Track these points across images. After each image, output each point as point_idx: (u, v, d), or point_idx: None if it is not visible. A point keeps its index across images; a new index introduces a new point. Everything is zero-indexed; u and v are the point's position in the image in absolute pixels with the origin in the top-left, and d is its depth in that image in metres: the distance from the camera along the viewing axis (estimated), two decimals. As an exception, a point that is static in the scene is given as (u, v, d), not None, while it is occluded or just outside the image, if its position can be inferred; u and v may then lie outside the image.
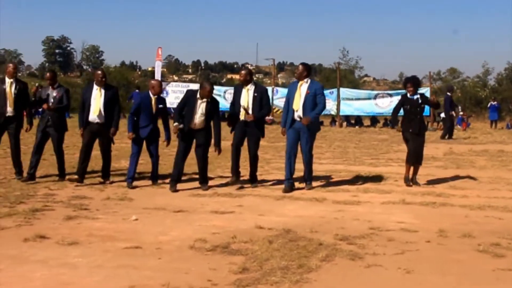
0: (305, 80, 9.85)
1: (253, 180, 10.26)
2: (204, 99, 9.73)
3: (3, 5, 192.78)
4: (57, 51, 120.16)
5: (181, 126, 9.71)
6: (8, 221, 7.10)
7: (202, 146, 9.84)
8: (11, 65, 10.85)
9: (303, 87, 9.82)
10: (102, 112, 10.11)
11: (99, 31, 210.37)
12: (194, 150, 9.93)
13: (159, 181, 10.27)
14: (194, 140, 9.88)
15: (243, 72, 10.39)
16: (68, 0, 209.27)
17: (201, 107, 9.71)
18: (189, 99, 9.83)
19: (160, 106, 10.16)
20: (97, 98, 10.13)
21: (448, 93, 23.49)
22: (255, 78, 10.69)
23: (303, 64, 10.10)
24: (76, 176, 10.11)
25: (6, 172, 10.69)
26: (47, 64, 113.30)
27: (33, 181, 10.12)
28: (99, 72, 10.48)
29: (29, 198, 8.68)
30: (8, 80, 10.48)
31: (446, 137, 21.35)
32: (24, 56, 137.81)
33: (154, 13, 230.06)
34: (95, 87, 10.23)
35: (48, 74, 10.96)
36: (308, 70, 10.02)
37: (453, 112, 23.00)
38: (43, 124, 10.42)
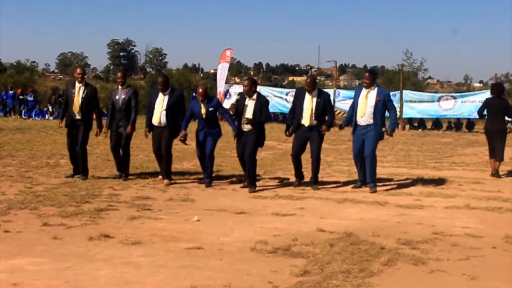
0: (372, 87, 9.84)
1: (315, 182, 10.23)
2: (253, 98, 9.82)
3: (70, 9, 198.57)
4: (121, 54, 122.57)
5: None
6: (74, 220, 7.28)
7: (249, 146, 9.86)
8: (78, 69, 11.03)
9: (371, 94, 9.79)
10: (163, 117, 10.22)
11: (163, 34, 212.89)
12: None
13: (219, 182, 10.34)
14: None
15: (308, 80, 10.33)
16: (133, 4, 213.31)
17: (249, 105, 9.86)
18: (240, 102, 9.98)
19: (210, 109, 10.17)
20: (160, 103, 10.26)
21: None
22: (317, 80, 10.65)
23: (371, 72, 10.13)
24: (166, 180, 10.30)
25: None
26: (111, 66, 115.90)
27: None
28: (159, 79, 10.57)
29: (94, 198, 8.86)
30: (77, 85, 10.68)
31: None
32: (89, 59, 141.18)
33: (217, 16, 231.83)
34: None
35: (119, 73, 11.08)
36: (376, 78, 10.08)
37: None
38: (115, 125, 10.65)
